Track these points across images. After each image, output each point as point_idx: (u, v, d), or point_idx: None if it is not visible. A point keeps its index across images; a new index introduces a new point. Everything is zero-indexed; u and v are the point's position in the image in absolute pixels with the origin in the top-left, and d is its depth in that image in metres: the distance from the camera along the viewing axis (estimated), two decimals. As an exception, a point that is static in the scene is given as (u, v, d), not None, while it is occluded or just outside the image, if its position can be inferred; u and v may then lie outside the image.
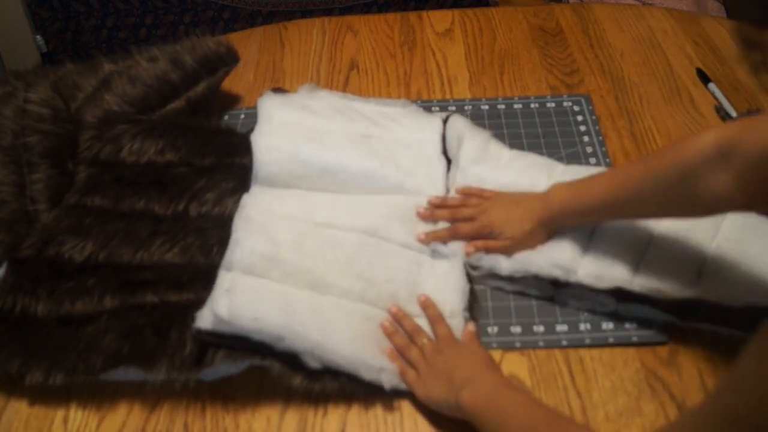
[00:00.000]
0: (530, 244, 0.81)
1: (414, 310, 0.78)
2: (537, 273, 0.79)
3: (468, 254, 0.82)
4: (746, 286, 0.74)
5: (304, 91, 1.02)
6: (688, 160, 0.67)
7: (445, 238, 0.85)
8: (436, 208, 0.88)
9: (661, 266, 0.77)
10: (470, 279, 0.82)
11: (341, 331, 0.73)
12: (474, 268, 0.83)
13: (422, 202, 0.89)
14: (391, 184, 0.90)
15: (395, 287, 0.79)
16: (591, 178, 0.80)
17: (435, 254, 0.84)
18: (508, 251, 0.82)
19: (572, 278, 0.78)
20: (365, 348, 0.73)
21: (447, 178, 0.93)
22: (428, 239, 0.85)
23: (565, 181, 0.82)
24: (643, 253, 0.79)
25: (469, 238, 0.84)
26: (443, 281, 0.81)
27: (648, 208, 0.75)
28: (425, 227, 0.87)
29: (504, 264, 0.81)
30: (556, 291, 0.80)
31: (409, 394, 0.73)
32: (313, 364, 0.70)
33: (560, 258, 0.79)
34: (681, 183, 0.68)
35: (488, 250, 0.82)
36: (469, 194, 0.89)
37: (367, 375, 0.71)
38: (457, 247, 0.84)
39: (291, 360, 0.71)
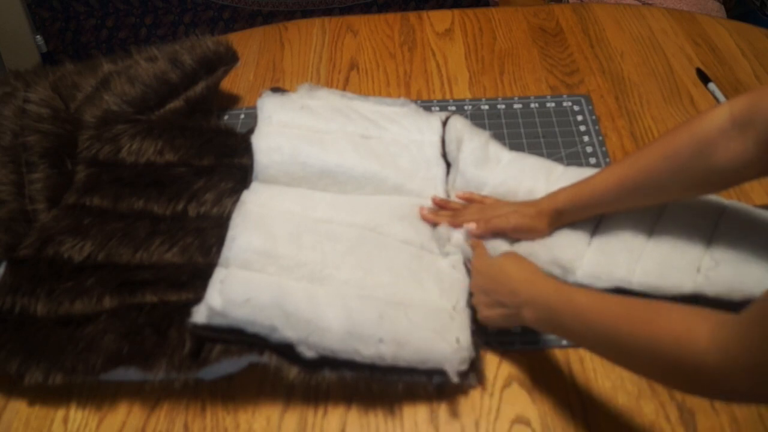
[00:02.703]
0: (533, 224, 0.81)
1: (416, 299, 0.78)
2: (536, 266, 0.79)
3: (473, 232, 0.83)
4: (744, 280, 0.75)
5: (303, 90, 1.02)
6: (703, 134, 0.69)
7: (448, 221, 0.85)
8: (439, 209, 0.88)
9: (660, 264, 0.78)
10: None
11: (335, 310, 0.72)
12: None
13: (423, 203, 0.89)
14: (391, 187, 0.90)
15: (395, 277, 0.79)
16: (597, 172, 0.80)
17: (436, 251, 0.84)
18: (510, 225, 0.82)
19: (570, 278, 0.78)
20: (361, 320, 0.72)
21: (446, 181, 0.93)
22: (431, 217, 0.86)
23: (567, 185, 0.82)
24: (641, 252, 0.79)
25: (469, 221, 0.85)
26: (447, 276, 0.81)
27: (663, 190, 0.75)
28: (426, 227, 0.86)
29: None
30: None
31: (409, 394, 0.73)
32: (309, 353, 0.70)
33: (561, 256, 0.79)
34: (698, 158, 0.69)
35: (493, 229, 0.83)
36: (471, 200, 0.89)
37: (366, 350, 0.70)
38: (460, 242, 0.84)
39: (288, 353, 0.71)
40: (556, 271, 0.79)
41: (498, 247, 0.82)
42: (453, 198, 0.91)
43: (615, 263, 0.78)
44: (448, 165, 0.94)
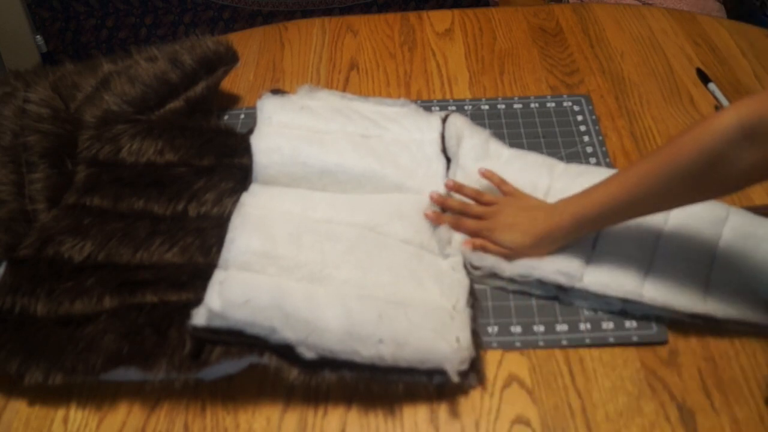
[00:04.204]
0: (529, 255, 0.81)
1: (416, 298, 0.77)
2: (540, 278, 0.79)
3: (466, 245, 0.83)
4: (753, 304, 0.76)
5: (303, 92, 1.02)
6: (712, 146, 0.66)
7: (450, 223, 0.85)
8: (441, 207, 0.88)
9: (669, 278, 0.78)
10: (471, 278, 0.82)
11: (334, 310, 0.72)
12: (475, 267, 0.82)
13: (424, 200, 0.89)
14: (391, 184, 0.90)
15: (395, 276, 0.78)
16: (600, 184, 0.78)
17: (437, 250, 0.84)
18: (506, 257, 0.82)
19: (577, 284, 0.78)
20: (360, 321, 0.71)
21: (447, 176, 0.92)
22: (434, 218, 0.86)
23: (570, 195, 0.80)
24: (649, 266, 0.79)
25: (470, 234, 0.84)
26: (447, 276, 0.81)
27: (674, 199, 0.74)
28: (426, 226, 0.86)
29: (506, 266, 0.81)
30: (559, 291, 0.80)
31: (409, 394, 0.73)
32: (309, 354, 0.70)
33: (564, 266, 0.79)
34: (709, 170, 0.67)
35: (486, 251, 0.82)
36: (478, 197, 0.88)
37: (366, 351, 0.70)
38: (460, 243, 0.84)
39: (288, 354, 0.71)
40: (561, 279, 0.78)
41: (495, 264, 0.81)
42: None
43: (623, 274, 0.78)
44: (448, 160, 0.94)
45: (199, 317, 0.72)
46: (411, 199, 0.89)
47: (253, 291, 0.72)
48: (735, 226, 0.82)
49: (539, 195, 0.88)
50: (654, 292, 0.77)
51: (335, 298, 0.74)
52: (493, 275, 0.82)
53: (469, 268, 0.82)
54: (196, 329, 0.72)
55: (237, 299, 0.71)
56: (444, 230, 0.85)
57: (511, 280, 0.81)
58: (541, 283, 0.80)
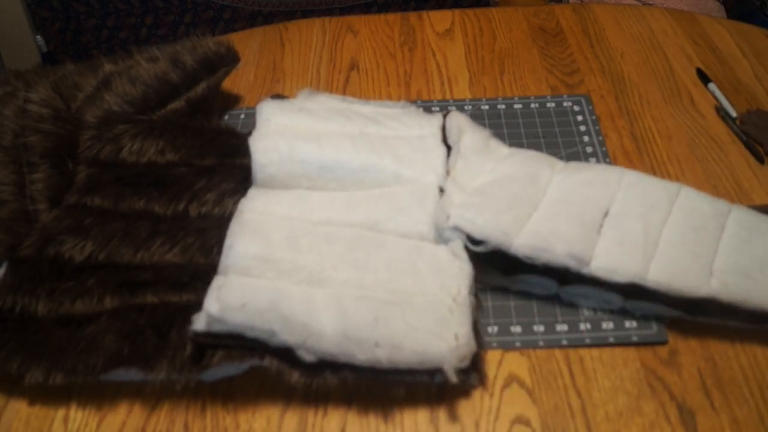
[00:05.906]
0: None
1: (415, 296, 0.77)
2: (548, 262, 0.78)
3: None
4: (757, 287, 0.75)
5: (303, 95, 1.02)
6: None
7: None
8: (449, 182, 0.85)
9: (673, 263, 0.78)
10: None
11: (330, 313, 0.72)
12: (476, 243, 0.80)
13: (422, 188, 0.87)
14: (390, 176, 0.89)
15: (393, 274, 0.78)
16: None
17: (437, 238, 0.83)
18: None
19: (585, 270, 0.78)
20: (356, 324, 0.71)
21: (447, 164, 0.92)
22: None
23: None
24: (654, 250, 0.79)
25: None
26: (447, 265, 0.80)
27: None
28: (424, 215, 0.85)
29: (513, 242, 0.79)
30: (560, 289, 0.80)
31: (409, 394, 0.73)
32: (308, 357, 0.70)
33: (575, 249, 0.78)
34: None
35: None
36: None
37: (362, 355, 0.70)
38: (459, 220, 0.82)
39: (289, 357, 0.71)
40: (572, 263, 0.78)
41: (502, 240, 0.80)
42: (452, 177, 0.88)
43: (630, 259, 0.78)
44: (449, 149, 0.93)
45: (199, 322, 0.72)
46: (410, 190, 0.88)
47: (250, 295, 0.72)
48: (738, 220, 0.83)
49: (540, 187, 0.87)
50: (658, 275, 0.76)
51: (333, 300, 0.74)
52: (493, 274, 0.81)
53: (471, 246, 0.80)
54: (197, 335, 0.72)
55: (234, 303, 0.71)
56: (440, 210, 0.83)
57: (513, 279, 0.81)
58: (541, 279, 0.80)
